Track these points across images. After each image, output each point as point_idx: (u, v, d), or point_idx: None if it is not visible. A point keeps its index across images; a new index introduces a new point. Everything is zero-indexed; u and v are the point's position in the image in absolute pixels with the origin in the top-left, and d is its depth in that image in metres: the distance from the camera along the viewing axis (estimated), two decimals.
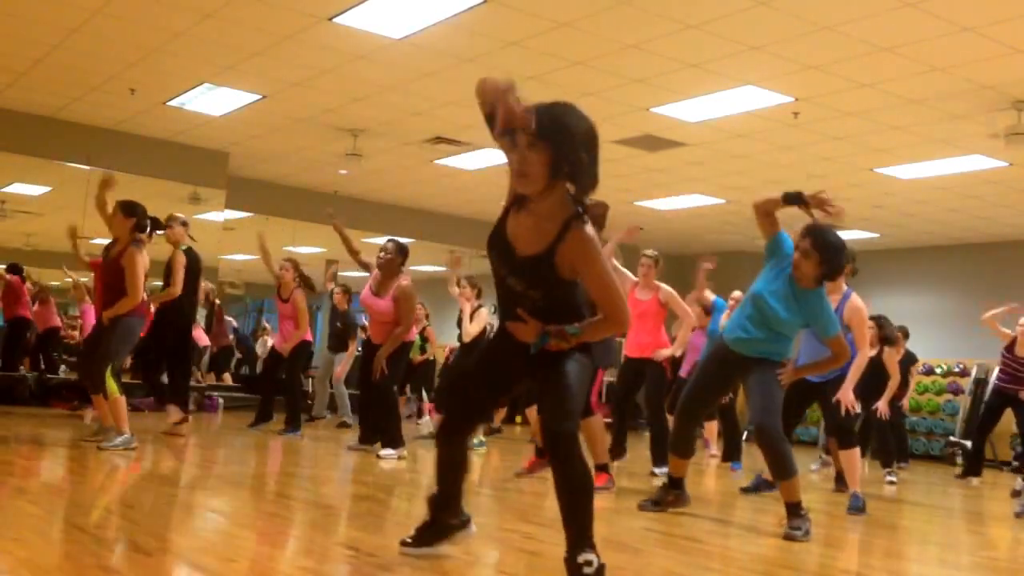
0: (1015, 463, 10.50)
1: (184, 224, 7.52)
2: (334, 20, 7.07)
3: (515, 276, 2.94)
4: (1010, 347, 8.73)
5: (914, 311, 14.12)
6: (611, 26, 6.82)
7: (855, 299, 5.58)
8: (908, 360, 9.46)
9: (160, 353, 7.59)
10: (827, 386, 5.89)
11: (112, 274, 6.09)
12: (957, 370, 13.46)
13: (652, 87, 8.07)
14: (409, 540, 3.23)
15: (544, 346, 2.88)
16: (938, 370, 13.66)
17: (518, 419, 12.18)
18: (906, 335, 9.47)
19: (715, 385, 4.97)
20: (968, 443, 10.71)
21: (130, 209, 6.16)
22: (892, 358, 7.78)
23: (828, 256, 4.53)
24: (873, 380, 7.56)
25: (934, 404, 13.63)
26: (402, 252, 7.16)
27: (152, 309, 7.21)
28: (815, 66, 7.32)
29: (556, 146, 2.69)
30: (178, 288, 7.30)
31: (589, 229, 2.81)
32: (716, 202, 12.27)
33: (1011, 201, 11.21)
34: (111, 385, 5.94)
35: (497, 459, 7.74)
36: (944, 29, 6.45)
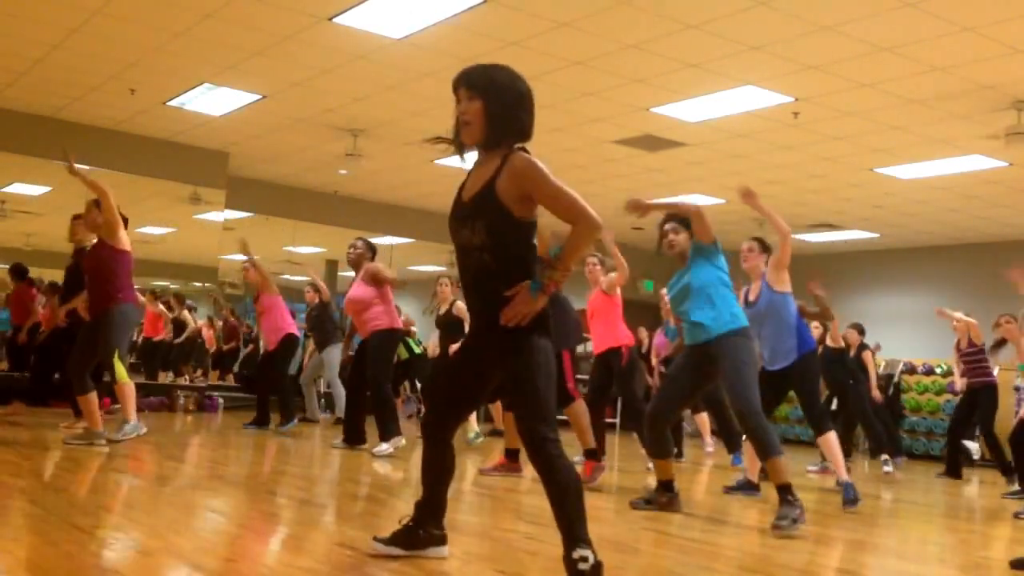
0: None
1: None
2: (334, 20, 7.08)
3: (464, 224, 3.00)
4: (957, 347, 9.31)
5: (914, 311, 14.15)
6: (611, 26, 6.82)
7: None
8: (861, 348, 9.95)
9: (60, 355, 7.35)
10: (793, 371, 5.99)
11: (95, 263, 6.00)
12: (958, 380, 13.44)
13: (652, 87, 8.07)
14: (383, 538, 3.26)
15: (541, 291, 2.88)
16: (938, 370, 13.65)
17: None
18: (861, 331, 10.00)
19: (683, 388, 5.08)
20: (969, 444, 10.71)
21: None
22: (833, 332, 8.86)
23: (690, 226, 5.03)
24: (840, 373, 8.67)
25: (934, 404, 13.62)
26: (371, 248, 7.46)
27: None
28: (815, 66, 7.32)
29: (488, 98, 3.00)
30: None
31: (530, 157, 2.96)
32: (716, 202, 12.27)
33: (1011, 201, 11.21)
34: (120, 371, 5.85)
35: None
36: (944, 29, 6.46)
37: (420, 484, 3.25)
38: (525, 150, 3.00)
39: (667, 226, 5.14)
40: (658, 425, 5.07)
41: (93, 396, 6.01)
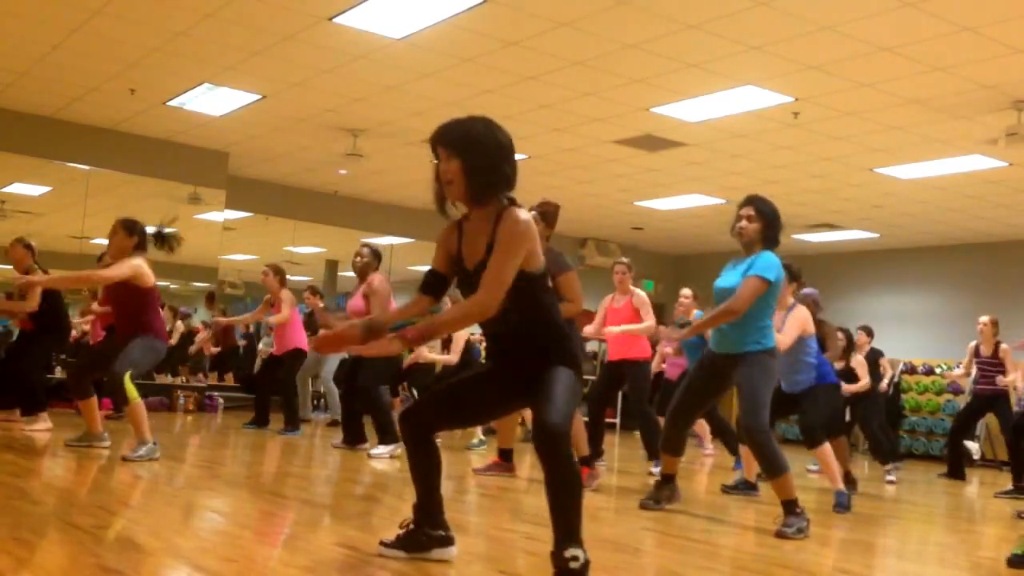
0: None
1: (32, 248, 7.43)
2: (334, 20, 7.08)
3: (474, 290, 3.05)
4: (977, 352, 9.07)
5: (914, 311, 14.15)
6: (611, 26, 6.82)
7: (800, 310, 5.97)
8: (873, 353, 10.07)
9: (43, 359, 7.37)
10: (800, 397, 6.07)
11: (116, 291, 5.86)
12: (957, 370, 13.43)
13: (652, 87, 8.07)
14: (389, 541, 3.27)
15: (403, 333, 2.93)
16: (938, 370, 13.66)
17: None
18: (869, 333, 10.13)
19: (703, 389, 5.04)
20: (969, 444, 10.71)
21: (131, 227, 5.88)
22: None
23: (769, 218, 4.80)
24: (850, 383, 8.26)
25: (934, 404, 13.62)
26: (376, 256, 7.52)
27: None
28: (815, 66, 7.32)
29: (467, 156, 3.00)
30: (35, 302, 7.17)
31: (522, 213, 2.99)
32: (716, 202, 12.28)
33: (1011, 201, 11.21)
34: (131, 391, 5.59)
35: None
36: (944, 29, 6.46)
37: (413, 486, 3.27)
38: (513, 200, 3.04)
39: (742, 210, 4.83)
40: (680, 423, 5.06)
41: (93, 401, 5.99)
